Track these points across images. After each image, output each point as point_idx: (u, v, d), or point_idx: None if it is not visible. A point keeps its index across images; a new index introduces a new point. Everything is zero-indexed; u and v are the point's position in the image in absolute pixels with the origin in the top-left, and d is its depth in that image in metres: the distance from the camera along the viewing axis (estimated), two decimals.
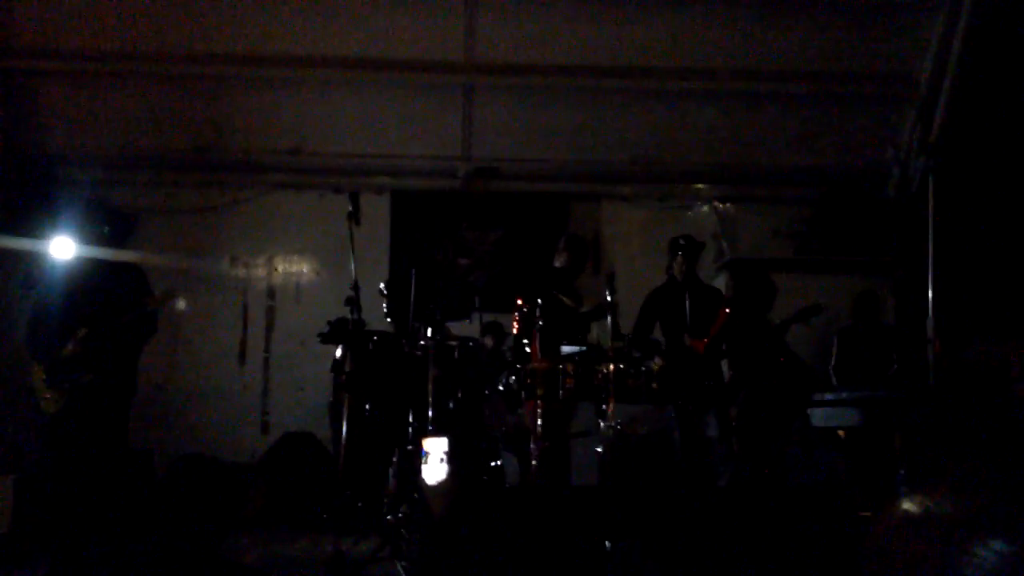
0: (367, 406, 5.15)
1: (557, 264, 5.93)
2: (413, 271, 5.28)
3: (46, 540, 5.32)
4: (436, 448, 4.67)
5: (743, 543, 4.34)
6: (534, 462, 5.18)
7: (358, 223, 5.01)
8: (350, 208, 4.98)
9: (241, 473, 6.85)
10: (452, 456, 4.63)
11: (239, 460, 7.07)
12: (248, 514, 6.63)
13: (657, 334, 5.91)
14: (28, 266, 6.65)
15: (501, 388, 5.49)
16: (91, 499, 5.16)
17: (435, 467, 4.62)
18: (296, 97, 7.70)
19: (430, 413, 4.87)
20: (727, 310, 5.56)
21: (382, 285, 5.38)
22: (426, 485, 4.60)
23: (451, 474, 4.57)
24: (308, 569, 4.85)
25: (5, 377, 6.97)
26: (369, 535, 5.17)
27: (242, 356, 7.71)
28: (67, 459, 5.20)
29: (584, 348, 5.12)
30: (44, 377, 5.22)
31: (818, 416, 5.76)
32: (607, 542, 4.18)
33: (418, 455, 4.76)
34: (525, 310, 5.19)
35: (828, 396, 5.86)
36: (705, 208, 7.44)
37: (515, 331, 5.31)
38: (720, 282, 7.09)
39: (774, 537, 4.42)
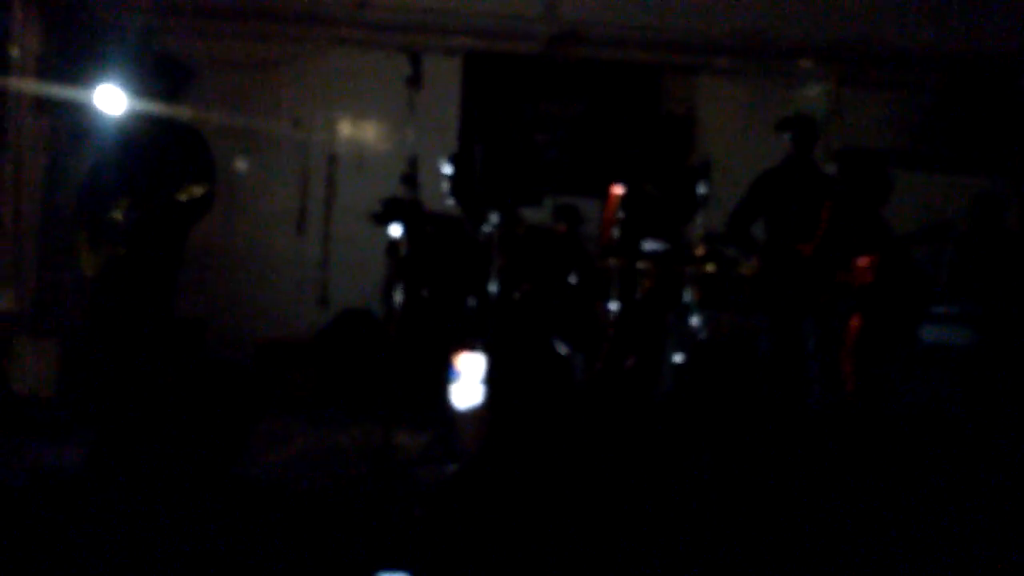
0: (423, 293, 4.76)
1: (650, 147, 5.33)
2: (481, 147, 4.77)
3: (91, 408, 5.19)
4: (471, 368, 4.24)
5: (832, 475, 3.88)
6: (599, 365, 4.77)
7: (419, 89, 4.48)
8: (410, 71, 4.44)
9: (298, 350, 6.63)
10: (494, 376, 4.18)
11: (294, 334, 6.81)
12: (301, 393, 6.43)
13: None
14: (78, 118, 6.33)
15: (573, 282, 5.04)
16: (134, 368, 4.97)
17: (468, 390, 4.20)
18: None
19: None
20: (829, 204, 4.93)
21: (444, 162, 4.85)
22: (456, 412, 4.22)
23: (489, 400, 4.13)
24: (354, 462, 4.57)
25: (53, 237, 6.75)
26: (422, 428, 4.91)
27: (301, 226, 7.32)
28: (106, 325, 5.00)
29: (667, 246, 4.57)
30: (87, 240, 4.99)
31: (928, 333, 5.19)
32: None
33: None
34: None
35: (940, 310, 5.28)
36: (816, 89, 6.71)
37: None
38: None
39: (864, 465, 3.95)
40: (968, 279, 5.85)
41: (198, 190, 4.78)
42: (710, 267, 4.47)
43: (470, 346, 4.37)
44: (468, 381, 4.28)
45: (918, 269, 5.38)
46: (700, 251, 4.40)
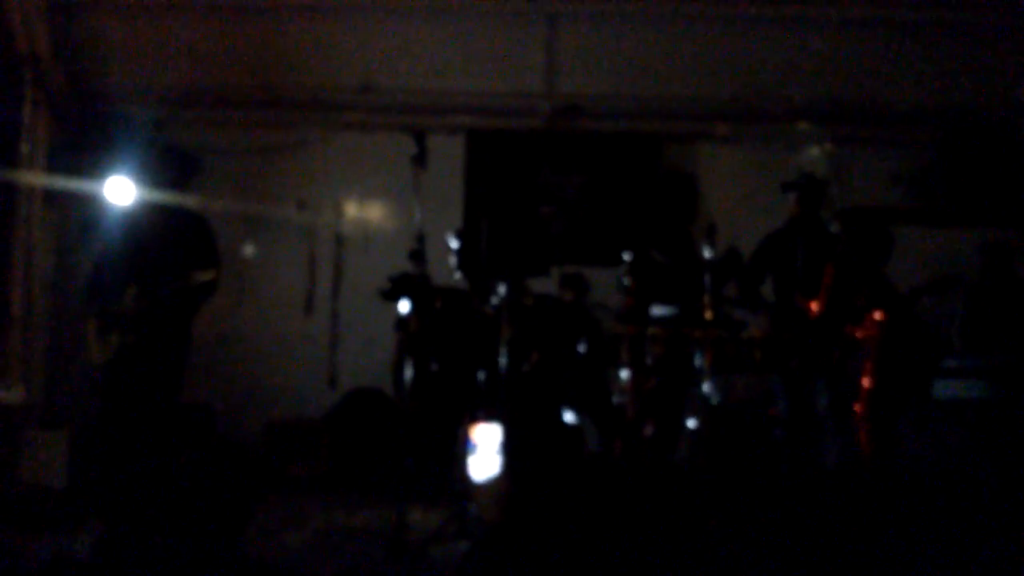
0: (433, 368, 4.74)
1: (655, 210, 5.35)
2: (487, 221, 4.80)
3: (101, 498, 5.15)
4: (487, 438, 4.19)
5: (851, 531, 3.81)
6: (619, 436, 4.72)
7: (424, 167, 4.53)
8: (415, 150, 4.50)
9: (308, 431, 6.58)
10: (511, 447, 4.14)
11: (304, 416, 6.77)
12: (312, 473, 6.37)
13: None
14: (87, 210, 6.41)
15: (581, 350, 5.00)
16: (144, 455, 4.94)
17: (486, 461, 4.15)
18: (365, 29, 7.27)
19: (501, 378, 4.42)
20: (834, 262, 4.93)
21: (451, 236, 4.88)
22: (472, 484, 4.16)
23: (507, 470, 4.08)
24: (368, 542, 4.49)
25: (62, 328, 6.79)
26: (436, 505, 4.87)
27: (309, 307, 7.34)
28: (116, 413, 5.00)
29: (677, 311, 4.55)
30: (95, 330, 5.01)
31: (941, 387, 5.13)
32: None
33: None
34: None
35: (953, 364, 5.22)
36: (815, 150, 6.76)
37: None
38: None
39: (882, 525, 3.88)
40: (981, 331, 5.82)
41: (204, 276, 4.83)
42: (720, 330, 4.44)
43: (484, 418, 4.32)
44: (485, 452, 4.23)
45: (927, 324, 5.34)
46: (709, 314, 4.38)
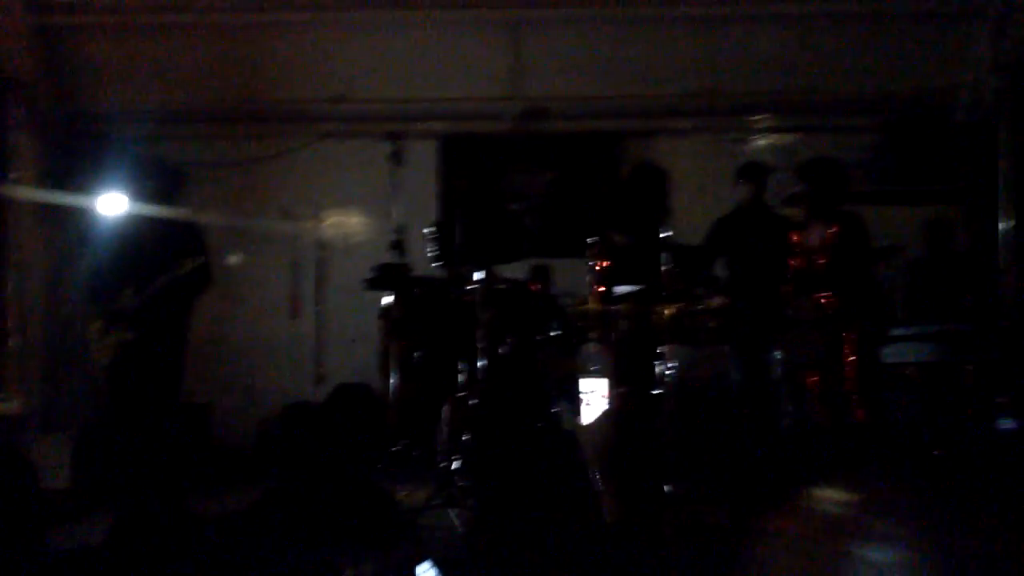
0: (416, 353, 5.05)
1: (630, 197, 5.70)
2: (461, 214, 5.13)
3: (105, 496, 5.38)
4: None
5: (806, 489, 4.15)
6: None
7: (401, 164, 4.88)
8: (391, 149, 4.84)
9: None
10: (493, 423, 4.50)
11: None
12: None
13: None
14: (81, 223, 6.68)
15: (553, 333, 5.34)
16: (147, 453, 5.21)
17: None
18: (340, 43, 7.56)
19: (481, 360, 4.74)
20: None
21: (428, 229, 5.22)
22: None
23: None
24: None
25: (61, 334, 7.04)
26: (423, 484, 5.11)
27: (294, 310, 7.64)
28: (119, 413, 5.26)
29: (639, 288, 4.90)
30: (97, 331, 5.29)
31: (888, 352, 5.50)
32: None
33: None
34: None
35: (899, 331, 5.59)
36: (765, 140, 7.14)
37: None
38: None
39: (838, 482, 4.21)
40: (924, 300, 6.22)
41: (195, 263, 5.14)
42: (679, 305, 4.77)
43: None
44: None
45: (880, 293, 5.70)
46: (669, 290, 4.71)
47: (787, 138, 6.95)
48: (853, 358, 5.41)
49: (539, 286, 6.46)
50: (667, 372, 4.57)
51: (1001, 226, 5.73)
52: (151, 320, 5.09)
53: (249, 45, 7.55)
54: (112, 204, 5.76)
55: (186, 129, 7.60)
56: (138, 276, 5.20)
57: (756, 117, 7.37)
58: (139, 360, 5.18)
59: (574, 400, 5.49)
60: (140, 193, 5.50)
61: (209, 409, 6.81)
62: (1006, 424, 4.07)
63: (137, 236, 5.39)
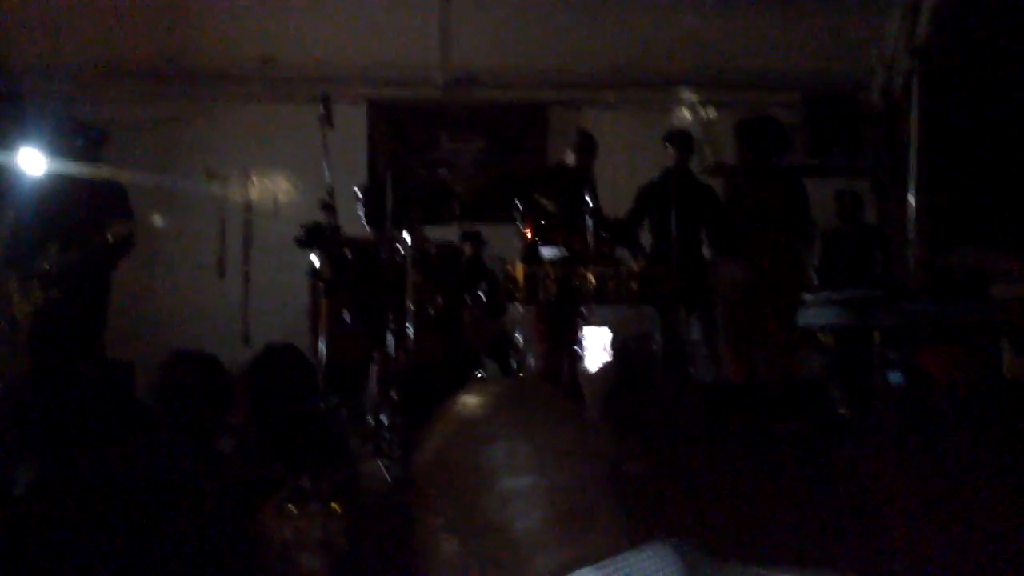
0: (345, 312, 5.12)
1: (567, 162, 5.83)
2: (390, 175, 5.20)
3: (25, 452, 5.34)
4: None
5: (715, 444, 4.35)
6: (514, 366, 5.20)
7: (331, 125, 4.92)
8: (321, 111, 4.88)
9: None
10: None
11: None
12: (233, 421, 6.65)
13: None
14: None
15: (481, 295, 5.48)
16: (68, 409, 5.18)
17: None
18: (268, 4, 7.50)
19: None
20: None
21: (357, 188, 5.28)
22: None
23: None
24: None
25: None
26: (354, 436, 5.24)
27: (221, 271, 7.58)
28: (40, 369, 5.23)
29: (564, 251, 5.06)
30: (17, 287, 5.23)
31: (802, 316, 5.77)
32: None
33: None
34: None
35: (812, 296, 5.86)
36: (688, 114, 7.34)
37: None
38: None
39: (746, 436, 4.43)
40: (836, 269, 6.52)
41: (121, 229, 5.11)
42: (604, 268, 4.96)
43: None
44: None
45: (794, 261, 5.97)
46: (593, 254, 4.89)
47: (708, 112, 7.15)
48: (770, 321, 5.70)
49: (471, 250, 6.59)
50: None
51: (910, 200, 6.01)
52: (74, 279, 5.05)
53: (175, 4, 7.43)
54: (32, 163, 5.67)
55: (109, 88, 7.47)
56: (60, 235, 5.15)
57: (679, 91, 7.56)
58: (61, 318, 5.14)
59: (503, 359, 5.65)
60: (62, 152, 5.43)
61: (132, 367, 6.76)
62: (894, 378, 4.35)
63: (59, 195, 5.33)
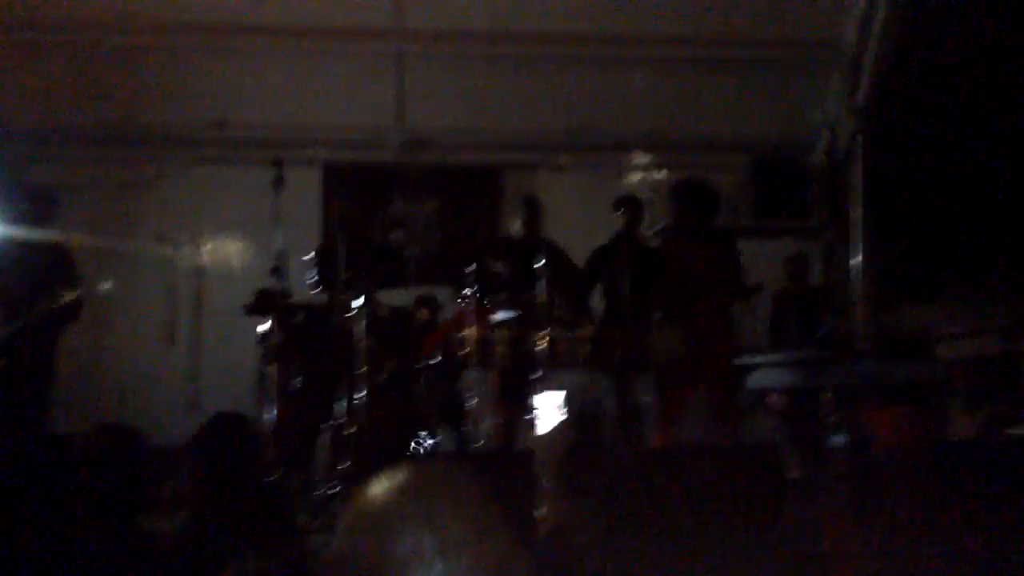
0: (295, 377, 5.07)
1: (514, 230, 5.88)
2: (343, 239, 5.19)
3: None
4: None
5: (668, 507, 4.34)
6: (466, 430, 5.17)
7: (283, 189, 4.93)
8: (274, 174, 4.89)
9: (169, 454, 6.70)
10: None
11: (168, 441, 6.90)
12: (175, 494, 6.50)
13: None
14: None
15: (434, 360, 5.45)
16: (10, 484, 5.04)
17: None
18: (221, 68, 7.52)
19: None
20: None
21: (309, 255, 5.27)
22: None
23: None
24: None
25: None
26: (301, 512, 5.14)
27: (170, 337, 7.50)
28: None
29: (516, 313, 5.07)
30: None
31: (751, 378, 5.81)
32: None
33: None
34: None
35: (761, 358, 5.90)
36: (638, 176, 7.45)
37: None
38: None
39: (697, 499, 4.43)
40: (785, 330, 6.60)
41: (67, 297, 5.03)
42: (554, 332, 4.95)
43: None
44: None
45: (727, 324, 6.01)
46: (544, 318, 4.89)
47: (658, 174, 7.26)
48: (718, 383, 5.73)
49: (426, 315, 6.56)
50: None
51: (852, 261, 6.14)
52: (17, 349, 4.95)
53: (127, 67, 7.43)
54: None
55: (60, 151, 7.42)
56: (4, 303, 5.06)
57: (630, 154, 7.68)
58: (5, 389, 5.02)
59: (457, 424, 5.61)
60: (10, 216, 5.36)
61: (74, 440, 6.60)
62: (839, 439, 4.38)
63: (3, 261, 5.25)
